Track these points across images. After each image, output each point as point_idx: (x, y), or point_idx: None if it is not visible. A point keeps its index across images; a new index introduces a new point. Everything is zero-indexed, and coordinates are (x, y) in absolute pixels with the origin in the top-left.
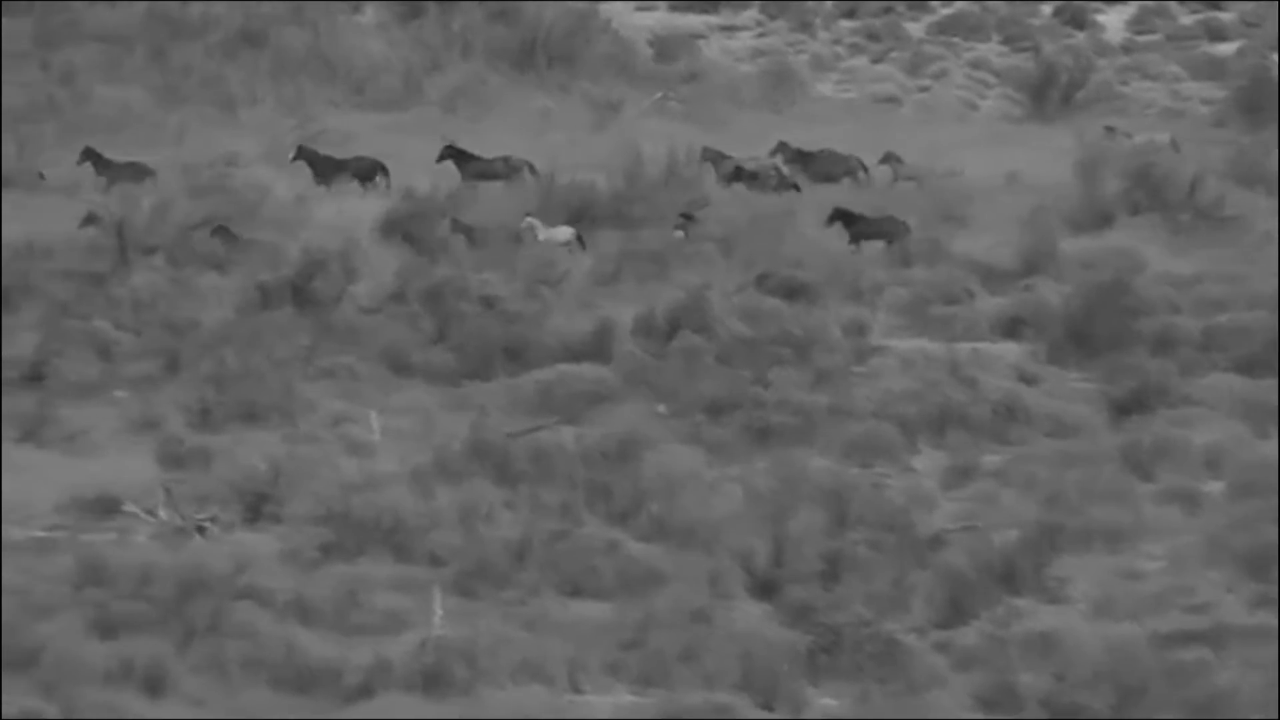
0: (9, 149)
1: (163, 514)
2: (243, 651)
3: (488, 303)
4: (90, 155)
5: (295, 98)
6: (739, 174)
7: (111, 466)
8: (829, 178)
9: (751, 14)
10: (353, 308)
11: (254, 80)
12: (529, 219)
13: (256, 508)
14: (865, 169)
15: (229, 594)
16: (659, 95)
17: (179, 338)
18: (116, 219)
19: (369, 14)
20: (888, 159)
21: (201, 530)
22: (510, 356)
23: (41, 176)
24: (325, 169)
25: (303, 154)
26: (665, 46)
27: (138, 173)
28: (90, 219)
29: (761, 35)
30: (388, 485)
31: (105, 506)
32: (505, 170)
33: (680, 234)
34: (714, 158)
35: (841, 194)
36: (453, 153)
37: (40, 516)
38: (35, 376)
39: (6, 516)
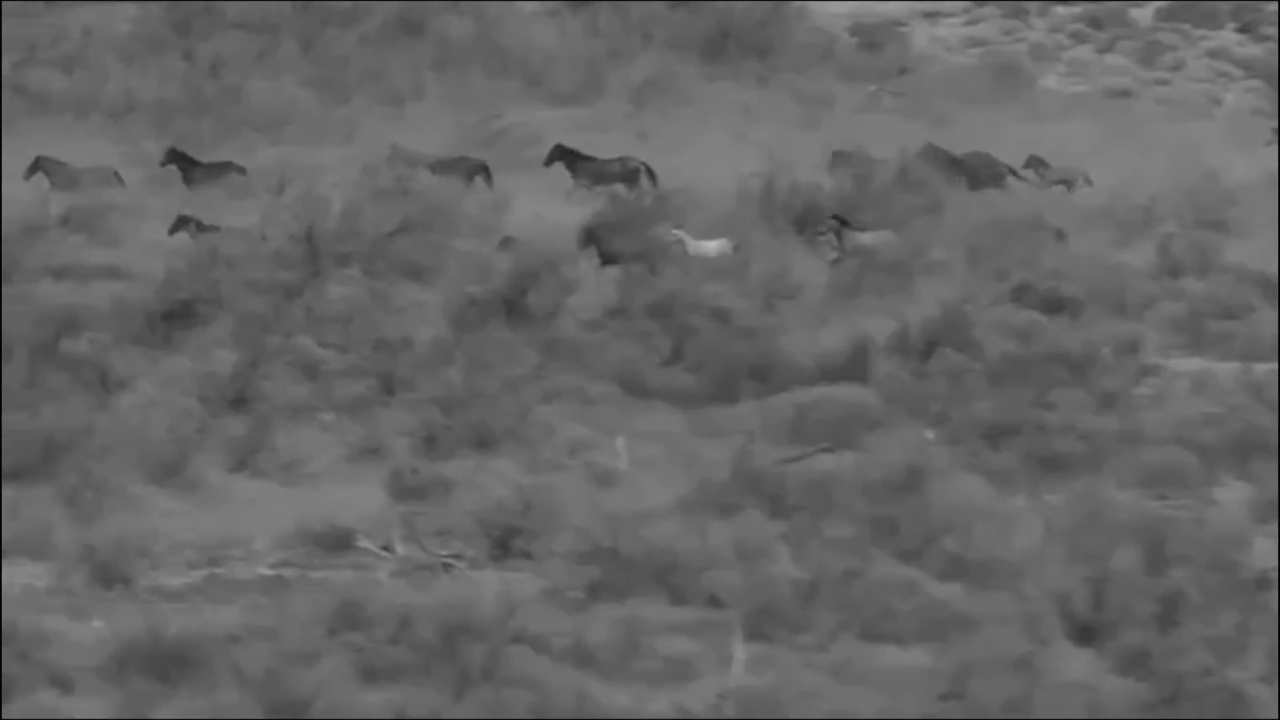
0: (164, 147)
1: (401, 549)
2: (527, 701)
3: (720, 317)
4: (175, 156)
5: (464, 91)
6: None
7: (336, 497)
8: (976, 182)
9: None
10: (571, 323)
11: (418, 72)
12: (676, 230)
13: (505, 543)
14: (1015, 173)
15: (502, 638)
16: (873, 89)
17: (391, 356)
18: (306, 225)
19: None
20: (1031, 164)
21: (447, 568)
22: (754, 376)
23: (242, 171)
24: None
25: (560, 155)
26: (868, 35)
27: (226, 174)
28: (182, 222)
29: (971, 23)
30: (653, 519)
31: (337, 541)
32: (622, 173)
33: (831, 244)
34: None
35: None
36: (562, 153)
37: (266, 553)
38: (238, 399)
39: (228, 552)
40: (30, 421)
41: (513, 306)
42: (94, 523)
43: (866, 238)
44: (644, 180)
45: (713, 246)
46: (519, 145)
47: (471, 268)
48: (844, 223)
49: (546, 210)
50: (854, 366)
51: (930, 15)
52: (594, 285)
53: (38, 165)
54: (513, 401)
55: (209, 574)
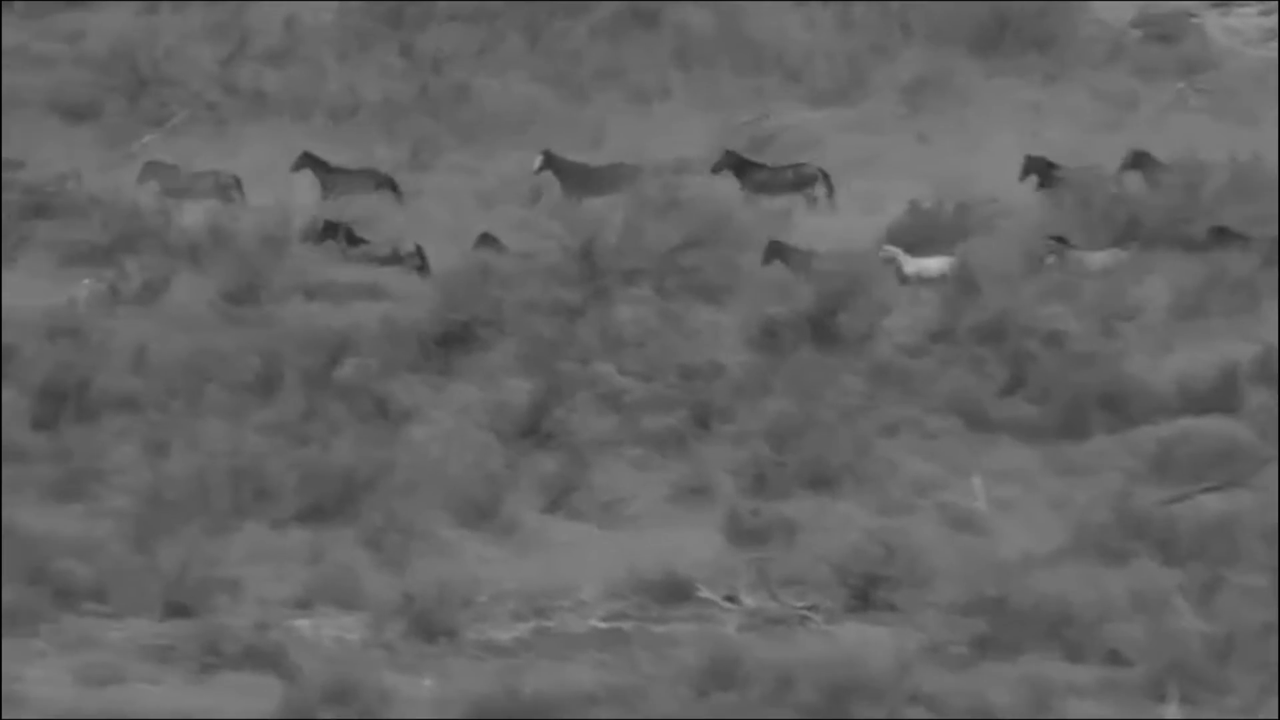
0: (398, 150)
1: (747, 600)
2: None
3: (1055, 341)
4: (310, 160)
5: (713, 89)
6: None
7: (665, 542)
8: None
9: None
10: (889, 347)
11: (659, 68)
12: (889, 247)
13: (865, 593)
14: None
15: (899, 699)
16: (1180, 85)
17: (703, 384)
18: (584, 239)
19: None
20: (1136, 162)
21: (803, 620)
22: (1105, 407)
23: (393, 186)
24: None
25: (731, 163)
26: (1157, 27)
27: (369, 181)
28: (329, 230)
29: (1266, 12)
30: (1036, 566)
31: (673, 591)
32: (796, 181)
33: (1051, 259)
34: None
35: None
36: (733, 160)
37: (596, 603)
38: (536, 432)
39: (555, 603)
40: (322, 457)
41: (820, 328)
42: (404, 569)
43: (1096, 258)
44: (819, 187)
45: (934, 265)
46: (790, 149)
47: (769, 286)
48: (1063, 242)
49: (830, 222)
50: (1221, 395)
51: (1220, 4)
52: (906, 305)
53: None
54: (848, 435)
55: (537, 626)
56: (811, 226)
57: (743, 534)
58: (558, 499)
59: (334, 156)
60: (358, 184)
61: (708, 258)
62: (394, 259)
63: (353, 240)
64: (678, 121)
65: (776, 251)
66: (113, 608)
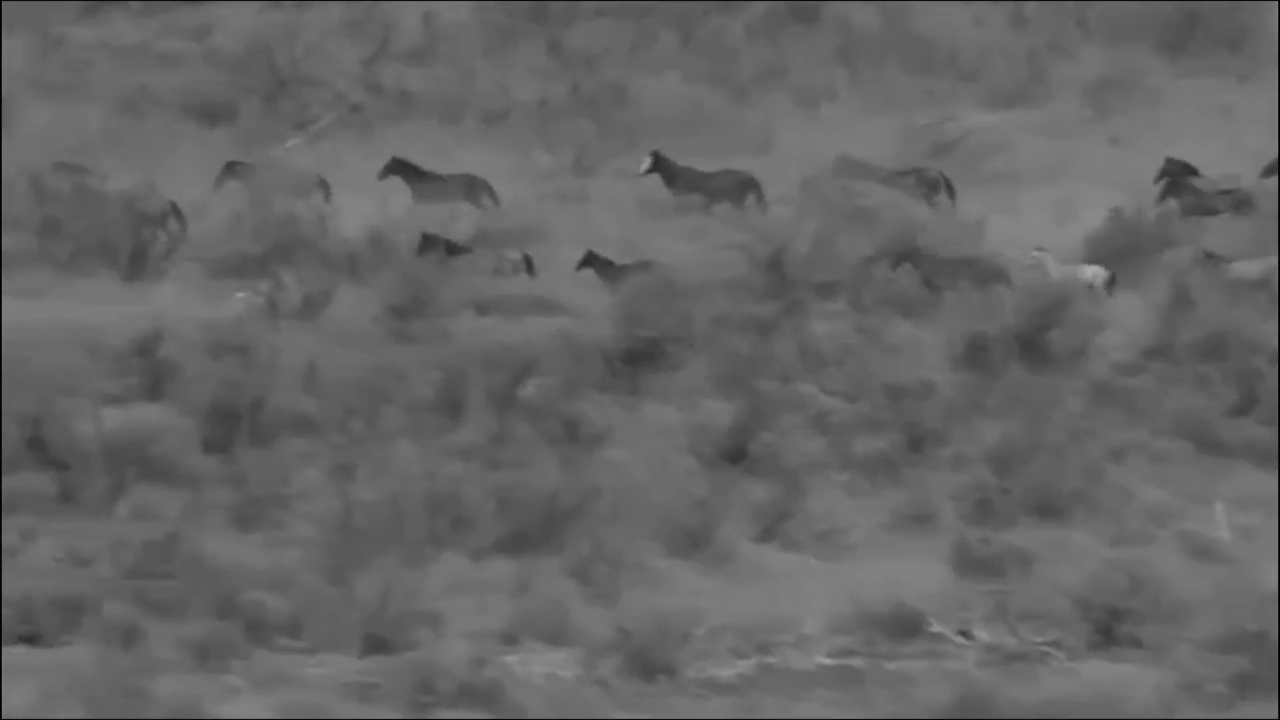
0: (559, 155)
1: (982, 634)
2: None
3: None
4: (400, 167)
5: (881, 90)
6: None
7: (888, 573)
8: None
9: None
10: (1105, 365)
11: (822, 67)
12: (1038, 252)
13: (1108, 628)
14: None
15: None
16: None
17: (914, 405)
18: (773, 250)
19: None
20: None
21: (1044, 657)
22: None
23: (490, 192)
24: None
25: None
26: None
27: (462, 187)
28: (429, 242)
29: None
30: None
31: (903, 625)
32: (919, 185)
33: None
34: None
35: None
36: (845, 164)
37: (821, 638)
38: (739, 455)
39: (777, 638)
40: (521, 482)
41: (1030, 346)
42: (615, 601)
43: (1242, 268)
44: (943, 194)
45: (1088, 272)
46: (977, 155)
47: (970, 300)
48: (1209, 255)
49: (1026, 231)
50: None
51: None
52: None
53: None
54: (1076, 460)
55: (759, 663)
56: (1005, 236)
57: (971, 564)
58: (771, 527)
59: (488, 161)
60: (450, 190)
61: (903, 270)
62: (500, 270)
63: (453, 251)
64: (848, 124)
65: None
66: (308, 642)
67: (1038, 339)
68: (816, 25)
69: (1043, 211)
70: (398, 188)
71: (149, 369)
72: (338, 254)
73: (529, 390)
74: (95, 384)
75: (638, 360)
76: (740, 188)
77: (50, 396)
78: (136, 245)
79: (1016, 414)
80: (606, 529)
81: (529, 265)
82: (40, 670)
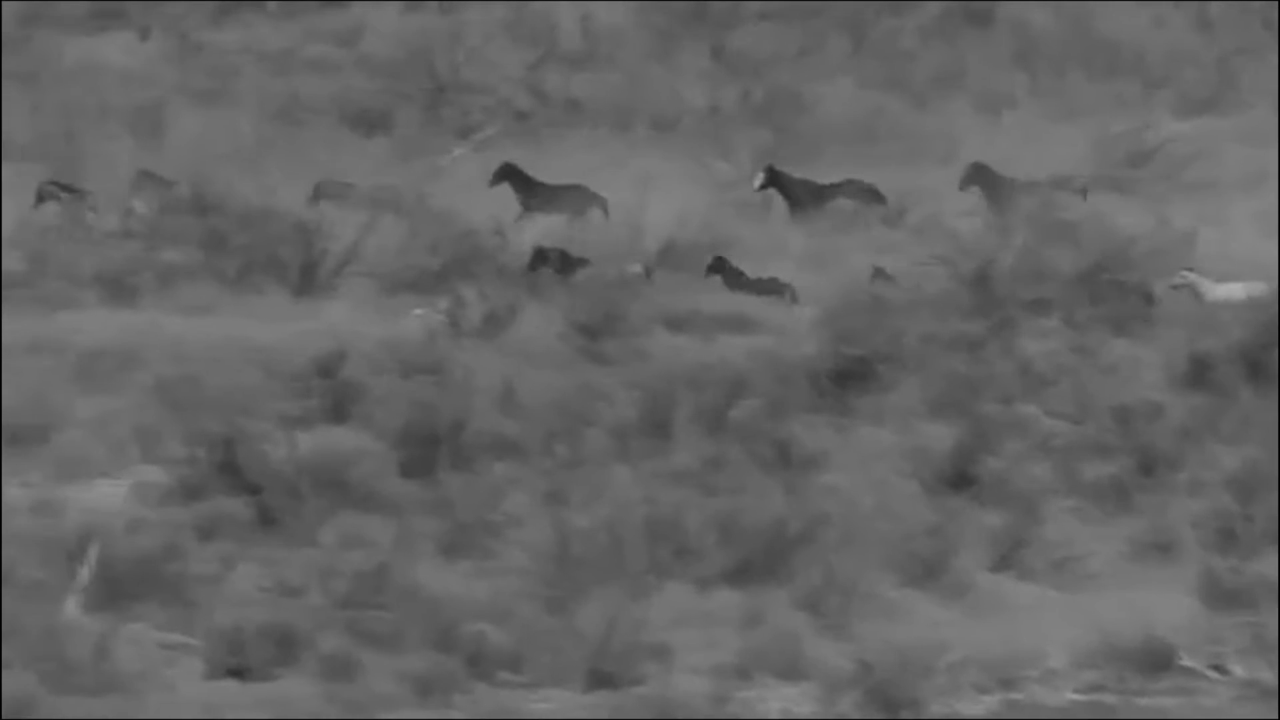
0: (736, 164)
1: (1237, 669)
2: None
3: None
4: (509, 173)
5: (1064, 97)
6: None
7: (1131, 604)
8: None
9: None
10: None
11: (1001, 71)
12: (1186, 272)
13: None
14: None
15: None
16: None
17: (1144, 427)
18: (979, 265)
19: None
20: None
21: None
22: None
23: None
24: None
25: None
26: None
27: (574, 198)
28: (540, 257)
29: None
30: None
31: (1152, 660)
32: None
33: None
34: None
35: None
36: (978, 173)
37: (1068, 673)
38: (965, 480)
39: (1021, 673)
40: (743, 509)
41: (1256, 366)
42: (848, 633)
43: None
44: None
45: (1239, 289)
46: (1177, 164)
47: (1186, 317)
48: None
49: (1238, 244)
50: None
51: None
52: None
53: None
54: None
55: (1005, 699)
56: (1214, 251)
57: (1221, 595)
58: (1007, 555)
59: (662, 169)
60: (563, 201)
61: (1115, 286)
62: (625, 283)
63: (569, 264)
64: (1033, 132)
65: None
66: (530, 676)
67: (1263, 358)
68: (991, 28)
69: (1247, 224)
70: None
71: (332, 390)
72: (517, 269)
73: (738, 412)
74: (275, 405)
75: (846, 380)
76: (864, 199)
77: (239, 418)
78: (307, 260)
79: (1251, 436)
80: (836, 557)
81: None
82: (253, 705)
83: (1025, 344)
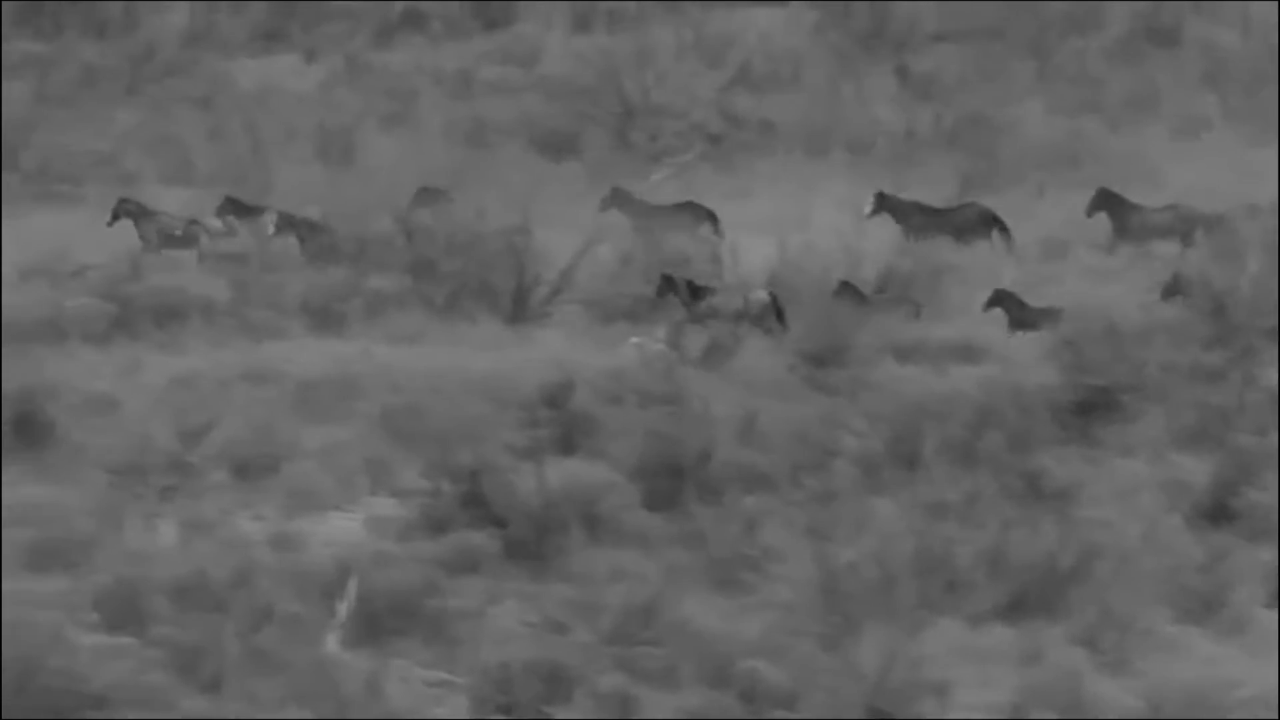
0: (939, 189)
1: None
2: None
3: None
4: (618, 197)
5: (1262, 118)
6: None
7: None
8: None
9: None
10: None
11: (1192, 93)
12: None
13: None
14: None
15: None
16: None
17: None
18: (1214, 290)
19: None
20: None
21: None
22: None
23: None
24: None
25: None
26: None
27: (686, 218)
28: (1175, 287)
29: None
30: None
31: None
32: (1174, 224)
33: None
34: None
35: None
36: (1105, 199)
37: None
38: (1225, 514)
39: None
40: (1011, 543)
41: None
42: (1126, 670)
43: None
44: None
45: None
46: None
47: None
48: None
49: None
50: None
51: None
52: None
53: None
54: None
55: None
56: None
57: None
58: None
59: (861, 193)
60: (675, 221)
61: None
62: (745, 313)
63: (696, 293)
64: (1234, 156)
65: None
66: (805, 714)
67: None
68: (1179, 49)
69: None
70: (793, 222)
71: (560, 420)
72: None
73: (983, 443)
74: (504, 436)
75: (1090, 411)
76: (982, 223)
77: (482, 450)
78: (520, 286)
79: None
80: (1110, 593)
81: (777, 310)
82: None
83: (1269, 374)
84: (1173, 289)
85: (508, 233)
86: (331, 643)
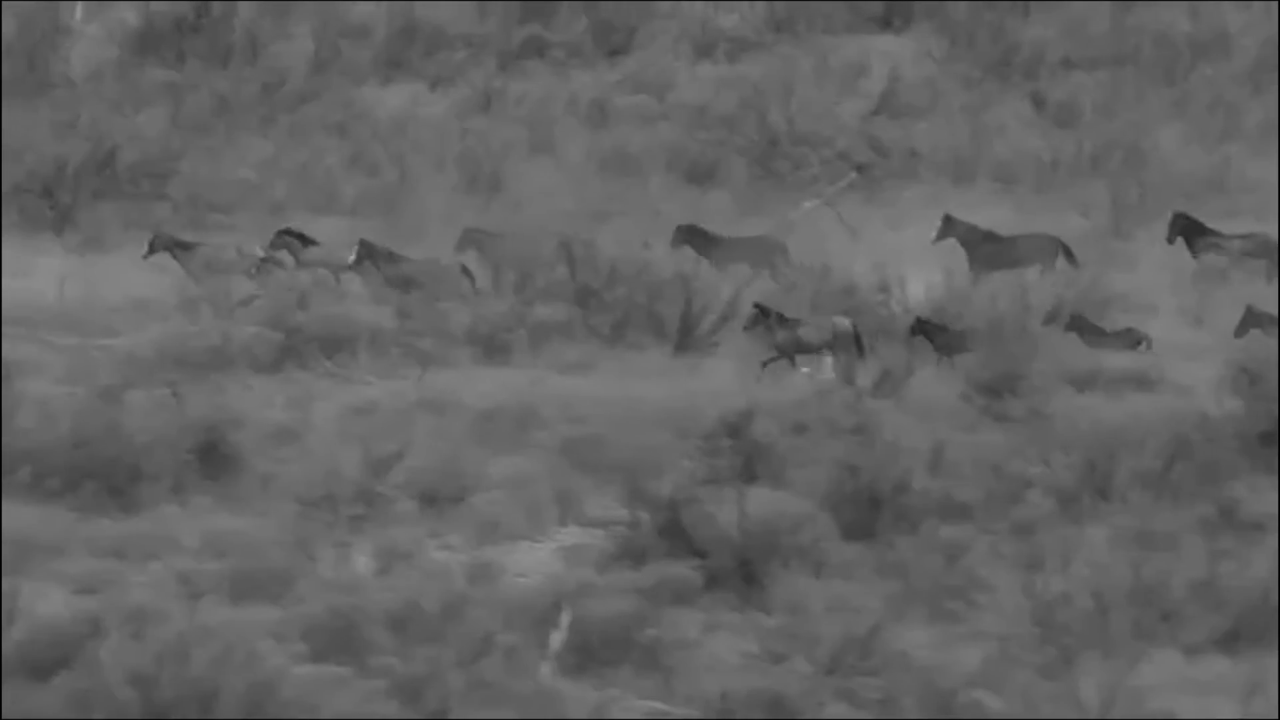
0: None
1: None
2: None
3: None
4: (689, 232)
5: None
6: None
7: None
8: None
9: None
10: None
11: None
12: None
13: None
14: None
15: None
16: None
17: None
18: None
19: None
20: None
21: None
22: None
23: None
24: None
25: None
26: None
27: (757, 250)
28: (759, 313)
29: None
30: None
31: None
32: (1254, 250)
33: None
34: None
35: None
36: (1185, 223)
37: None
38: None
39: None
40: (1223, 574)
41: None
42: None
43: None
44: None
45: None
46: None
47: None
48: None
49: None
50: None
51: None
52: None
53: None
54: None
55: None
56: None
57: None
58: None
59: (1012, 221)
60: (747, 253)
61: None
62: (827, 346)
63: (784, 323)
64: None
65: None
66: None
67: None
68: None
69: None
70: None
71: (741, 449)
72: (902, 324)
73: (1173, 472)
74: (681, 464)
75: (1273, 441)
76: (1049, 250)
77: (676, 480)
78: (687, 315)
79: None
80: None
81: (858, 339)
82: None
83: None
84: (1247, 323)
85: (671, 261)
86: (547, 672)
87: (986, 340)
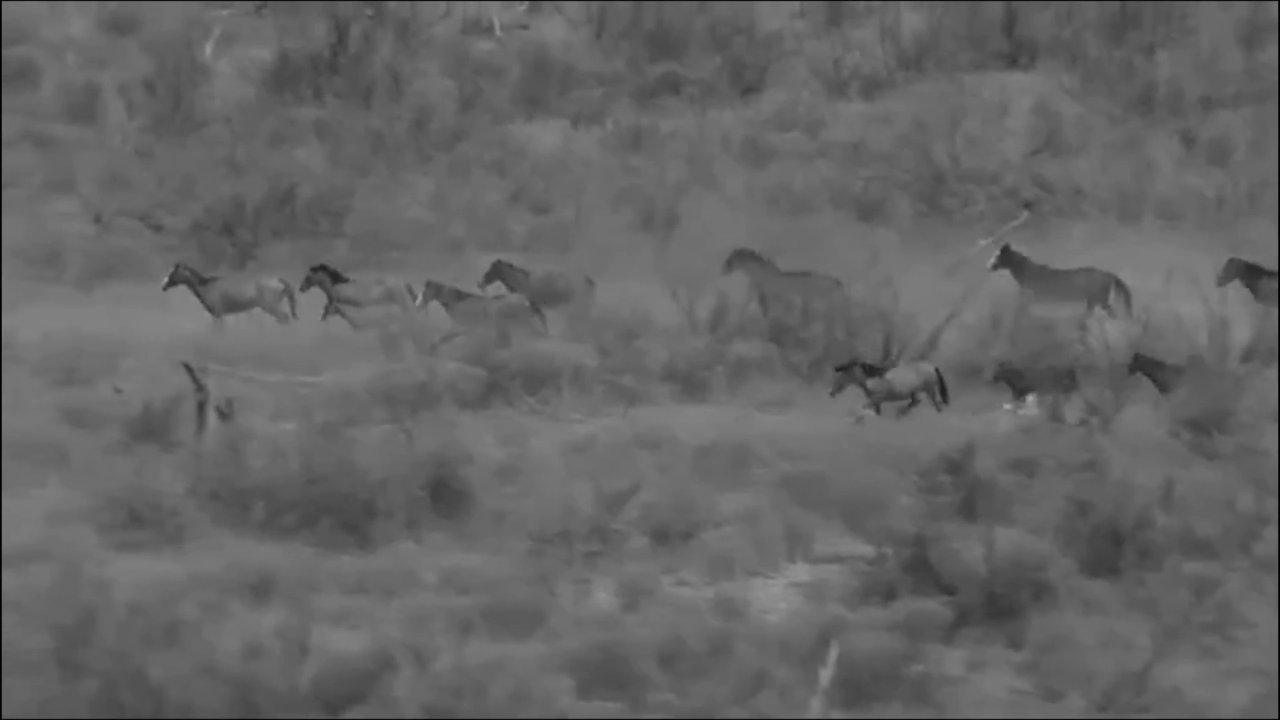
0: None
1: None
2: None
3: None
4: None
5: None
6: None
7: None
8: None
9: None
10: None
11: None
12: None
13: None
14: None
15: None
16: None
17: None
18: None
19: None
20: None
21: None
22: None
23: None
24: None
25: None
26: None
27: (809, 285)
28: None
29: None
30: None
31: None
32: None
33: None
34: None
35: None
36: (1236, 267)
37: None
38: None
39: None
40: None
41: None
42: None
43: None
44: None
45: None
46: None
47: None
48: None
49: None
50: None
51: None
52: None
53: (1099, 283)
54: None
55: None
56: None
57: None
58: None
59: (1185, 260)
60: (798, 288)
61: None
62: (920, 388)
63: (872, 374)
64: None
65: None
66: None
67: None
68: None
69: None
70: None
71: (962, 485)
72: (1101, 362)
73: None
74: (900, 501)
75: None
76: (1102, 288)
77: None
78: (886, 353)
79: None
80: None
81: (943, 387)
82: None
83: None
84: None
85: (868, 297)
86: (816, 708)
87: (1193, 377)
